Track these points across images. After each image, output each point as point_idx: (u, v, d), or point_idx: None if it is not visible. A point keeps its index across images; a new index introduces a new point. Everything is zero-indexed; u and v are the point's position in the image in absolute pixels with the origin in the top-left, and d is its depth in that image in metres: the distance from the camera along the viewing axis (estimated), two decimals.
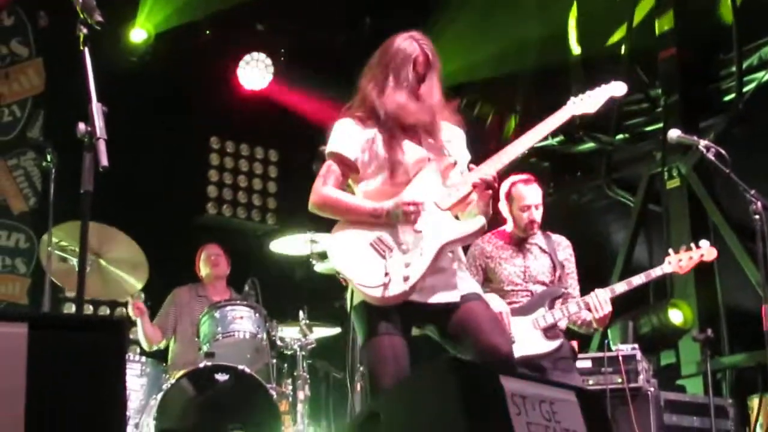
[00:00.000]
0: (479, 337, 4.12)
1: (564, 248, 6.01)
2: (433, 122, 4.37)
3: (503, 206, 5.91)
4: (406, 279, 4.09)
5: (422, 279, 4.12)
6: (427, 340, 4.38)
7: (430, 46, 4.39)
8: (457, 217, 4.34)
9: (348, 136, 4.34)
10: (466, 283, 4.31)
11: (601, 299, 5.65)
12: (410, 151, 4.30)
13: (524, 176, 5.98)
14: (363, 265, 4.15)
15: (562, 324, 5.77)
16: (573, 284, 5.94)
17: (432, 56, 4.36)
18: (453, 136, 4.47)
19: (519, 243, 5.91)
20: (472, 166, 4.35)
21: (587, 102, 4.56)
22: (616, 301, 5.79)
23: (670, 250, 5.96)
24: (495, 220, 5.91)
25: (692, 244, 5.94)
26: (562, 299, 5.80)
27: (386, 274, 4.08)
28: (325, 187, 4.30)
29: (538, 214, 5.86)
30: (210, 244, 7.97)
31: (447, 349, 4.26)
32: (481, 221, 4.25)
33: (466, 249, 4.63)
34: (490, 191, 4.25)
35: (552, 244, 5.97)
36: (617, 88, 4.64)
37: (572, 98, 4.57)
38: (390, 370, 4.06)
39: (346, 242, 4.23)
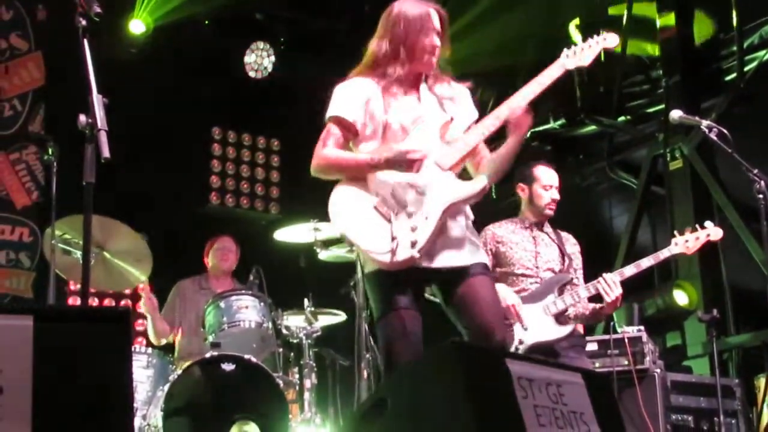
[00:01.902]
0: (476, 318, 4.14)
1: (572, 244, 6.07)
2: (435, 74, 4.43)
3: (521, 188, 5.95)
4: (413, 244, 4.08)
5: (429, 242, 4.11)
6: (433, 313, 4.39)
7: (439, 8, 4.45)
8: (461, 176, 4.34)
9: (348, 99, 4.35)
10: (475, 252, 4.31)
11: (610, 282, 5.65)
12: (408, 110, 4.31)
13: (543, 160, 6.09)
14: (369, 229, 4.13)
15: (571, 311, 5.77)
16: (580, 280, 5.94)
17: (443, 19, 4.43)
18: (457, 93, 4.49)
19: (530, 229, 5.93)
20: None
21: (580, 54, 4.51)
22: (627, 281, 5.80)
23: (676, 232, 5.96)
24: (507, 211, 5.94)
25: (697, 225, 5.94)
26: (570, 285, 5.82)
27: (393, 239, 4.07)
28: (325, 149, 4.31)
29: (558, 195, 5.91)
30: (223, 236, 7.93)
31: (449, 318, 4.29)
32: (483, 181, 4.24)
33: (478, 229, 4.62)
34: (529, 117, 4.28)
35: (561, 237, 6.02)
36: (610, 40, 4.58)
37: (565, 50, 4.52)
38: (408, 346, 4.08)
39: (349, 204, 4.22)
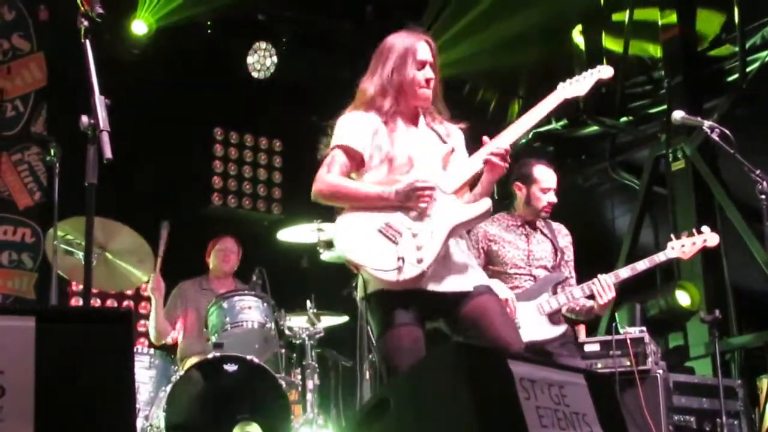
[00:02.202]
0: (491, 334, 4.14)
1: (564, 236, 6.04)
2: (435, 106, 4.47)
3: (518, 187, 5.93)
4: (420, 261, 4.09)
5: (435, 261, 4.12)
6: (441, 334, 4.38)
7: (430, 40, 4.49)
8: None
9: (355, 129, 4.36)
10: (477, 274, 4.34)
11: (605, 284, 5.65)
12: (411, 141, 4.34)
13: (543, 159, 6.06)
14: (374, 250, 4.13)
15: (564, 309, 5.77)
16: (570, 272, 5.94)
17: (432, 50, 4.45)
18: (452, 132, 4.52)
19: (523, 227, 5.91)
20: (485, 139, 4.35)
21: (576, 86, 4.59)
22: (623, 283, 5.80)
23: (672, 236, 5.96)
24: (499, 204, 5.92)
25: (694, 230, 5.95)
26: (564, 284, 5.81)
27: (399, 258, 4.07)
28: (329, 175, 4.30)
29: (555, 198, 5.89)
30: (226, 237, 7.92)
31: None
32: (487, 203, 4.27)
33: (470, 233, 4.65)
34: (504, 165, 4.26)
35: (553, 230, 5.99)
36: (604, 72, 4.68)
37: (561, 84, 4.59)
38: (408, 361, 4.05)
39: (353, 229, 4.22)
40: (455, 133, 4.53)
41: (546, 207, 5.88)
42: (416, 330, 4.16)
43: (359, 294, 4.29)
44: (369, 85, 4.45)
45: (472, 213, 4.26)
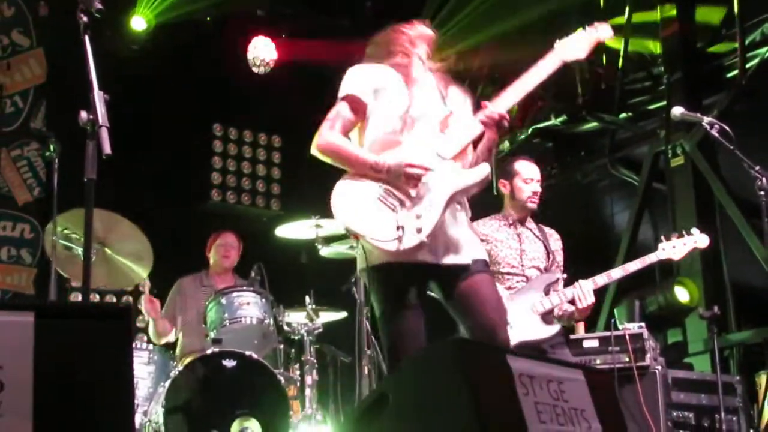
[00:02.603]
0: (478, 317, 4.15)
1: (555, 240, 6.06)
2: (444, 68, 4.52)
3: (503, 184, 5.94)
4: (419, 230, 4.07)
5: (435, 230, 4.10)
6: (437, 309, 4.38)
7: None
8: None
9: (363, 80, 4.35)
10: (476, 247, 4.32)
11: (585, 290, 5.67)
12: (417, 100, 4.32)
13: (524, 156, 6.08)
14: (373, 219, 4.10)
15: (555, 310, 5.78)
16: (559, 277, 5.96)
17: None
18: (457, 93, 4.51)
19: (515, 226, 5.91)
20: (485, 103, 4.32)
21: (574, 47, 4.43)
22: (621, 279, 5.82)
23: (663, 237, 5.98)
24: (491, 207, 5.93)
25: (684, 231, 5.96)
26: (557, 285, 5.82)
27: (398, 228, 4.05)
28: (331, 132, 4.28)
29: (539, 188, 5.89)
30: (226, 232, 7.91)
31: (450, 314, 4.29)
32: (486, 169, 4.25)
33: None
34: (501, 129, 4.27)
35: (545, 233, 6.01)
36: (602, 31, 4.51)
37: (557, 42, 4.43)
38: (411, 344, 4.08)
39: (352, 198, 4.18)
40: (459, 96, 4.51)
41: (531, 197, 5.87)
42: (417, 312, 4.17)
43: (360, 265, 4.28)
44: (378, 38, 4.52)
45: (470, 179, 4.23)
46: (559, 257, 6.01)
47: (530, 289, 5.73)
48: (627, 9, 10.16)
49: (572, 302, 5.71)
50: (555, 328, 5.70)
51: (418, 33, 4.47)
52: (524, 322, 5.62)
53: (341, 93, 4.35)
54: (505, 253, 5.82)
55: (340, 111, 4.33)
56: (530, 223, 6.00)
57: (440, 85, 4.47)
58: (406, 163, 4.12)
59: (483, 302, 4.17)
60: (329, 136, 4.28)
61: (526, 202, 5.89)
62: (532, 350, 5.52)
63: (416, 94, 4.34)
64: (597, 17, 10.31)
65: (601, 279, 5.81)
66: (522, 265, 5.82)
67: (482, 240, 5.81)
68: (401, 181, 4.13)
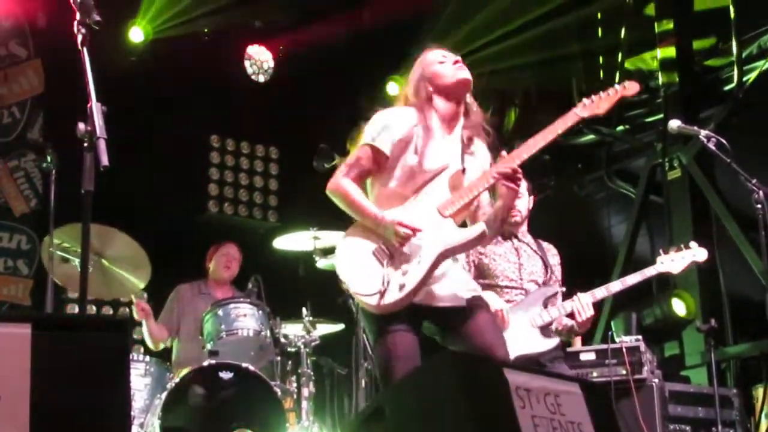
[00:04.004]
0: (477, 338, 4.18)
1: (553, 255, 6.04)
2: (473, 123, 4.46)
3: (490, 203, 5.91)
4: (401, 287, 4.11)
5: (419, 287, 4.14)
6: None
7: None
8: (464, 225, 4.37)
9: (389, 132, 4.34)
10: (471, 286, 4.36)
11: (584, 303, 5.67)
12: (436, 156, 4.31)
13: None
14: (362, 272, 4.19)
15: (554, 324, 5.77)
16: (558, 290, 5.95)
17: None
18: (479, 150, 4.50)
19: (511, 240, 5.90)
20: (503, 153, 4.34)
21: (597, 103, 4.50)
22: (618, 292, 5.82)
23: (661, 250, 5.98)
24: None
25: (682, 245, 5.96)
26: (555, 299, 5.82)
27: (383, 283, 4.11)
28: (345, 179, 4.33)
29: (520, 203, 5.84)
30: (229, 243, 7.91)
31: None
32: (479, 228, 4.28)
33: None
34: (515, 185, 4.26)
35: (543, 248, 5.99)
36: (630, 89, 4.56)
37: (584, 100, 4.52)
38: (404, 368, 4.07)
39: (351, 249, 4.28)
40: (480, 154, 4.50)
41: (513, 214, 5.84)
42: (411, 336, 4.18)
43: (356, 304, 4.33)
44: (407, 89, 4.50)
45: (462, 238, 4.26)
46: (558, 271, 6.00)
47: (529, 303, 5.72)
48: (624, 24, 10.20)
49: (571, 316, 5.71)
50: (554, 342, 5.69)
51: (454, 80, 4.42)
52: (523, 335, 5.61)
53: (365, 139, 4.37)
54: (503, 267, 5.81)
55: (360, 158, 4.36)
56: (527, 237, 5.98)
57: (467, 141, 4.44)
58: (397, 221, 4.16)
59: (480, 326, 4.22)
60: (343, 182, 4.33)
61: (509, 217, 5.87)
62: (531, 364, 5.51)
63: (434, 150, 4.33)
64: (595, 33, 10.45)
65: (600, 292, 5.80)
66: (521, 279, 5.80)
67: (480, 253, 5.81)
68: (392, 238, 4.17)
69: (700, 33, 10.05)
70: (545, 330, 5.69)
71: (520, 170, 4.26)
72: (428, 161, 4.29)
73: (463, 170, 4.36)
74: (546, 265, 5.91)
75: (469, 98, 4.47)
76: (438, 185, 4.31)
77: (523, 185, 5.90)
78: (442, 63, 4.42)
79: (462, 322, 4.22)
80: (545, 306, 5.72)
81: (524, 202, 5.88)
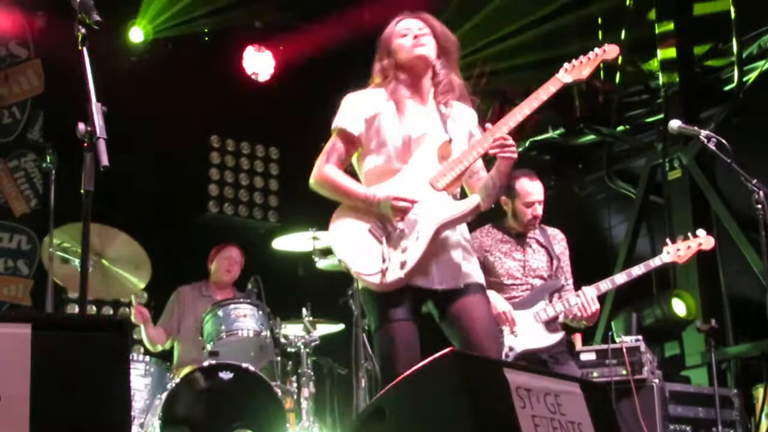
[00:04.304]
0: (471, 339, 4.16)
1: (559, 241, 6.03)
2: (444, 88, 4.42)
3: (504, 201, 5.90)
4: (403, 265, 4.11)
5: (419, 263, 4.13)
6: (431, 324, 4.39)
7: (420, 14, 4.51)
8: (460, 196, 4.37)
9: (354, 111, 4.36)
10: (470, 269, 4.32)
11: (588, 297, 5.66)
12: (412, 127, 4.30)
13: (527, 171, 5.98)
14: (361, 252, 4.18)
15: (561, 317, 5.77)
16: (567, 277, 5.94)
17: (424, 20, 4.46)
18: (460, 114, 4.47)
19: (517, 237, 5.90)
20: (488, 125, 4.31)
21: (579, 68, 4.46)
22: (618, 292, 5.82)
23: (668, 240, 5.96)
24: (493, 213, 5.91)
25: (689, 234, 5.95)
26: (561, 292, 5.82)
27: (383, 260, 4.11)
28: (326, 166, 4.35)
29: (540, 210, 5.87)
30: (231, 246, 7.91)
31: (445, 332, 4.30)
32: (474, 200, 4.27)
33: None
34: (510, 151, 4.23)
35: (548, 237, 5.98)
36: (610, 52, 4.51)
37: (564, 65, 4.47)
38: (404, 357, 4.07)
39: (345, 229, 4.27)
40: (463, 116, 4.47)
41: (531, 221, 5.85)
42: (411, 325, 4.18)
43: (357, 284, 4.33)
44: (375, 66, 4.49)
45: (459, 210, 4.25)
46: (565, 258, 5.98)
47: (534, 298, 5.73)
48: (624, 25, 10.19)
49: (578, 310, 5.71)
50: (558, 336, 5.70)
51: (412, 55, 4.39)
52: (528, 330, 5.62)
53: (333, 125, 4.40)
54: (508, 265, 5.81)
55: (335, 145, 4.38)
56: (532, 232, 5.97)
57: (444, 108, 4.42)
58: (393, 197, 4.16)
59: (475, 324, 4.20)
60: (324, 169, 4.35)
61: (527, 225, 5.88)
62: (536, 359, 5.52)
63: (410, 121, 4.32)
64: (595, 33, 10.45)
65: (605, 285, 5.79)
66: (526, 276, 5.81)
67: (486, 250, 5.81)
68: (390, 214, 4.16)
69: (700, 38, 10.04)
70: (550, 325, 5.69)
71: (509, 137, 4.24)
72: (405, 131, 4.28)
73: (450, 140, 4.34)
74: (551, 257, 5.90)
75: (439, 67, 4.42)
76: (425, 156, 4.29)
77: (542, 190, 5.92)
78: (404, 36, 4.40)
79: (458, 309, 4.20)
80: (550, 300, 5.72)
81: (542, 208, 5.89)
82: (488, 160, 4.38)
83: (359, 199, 4.25)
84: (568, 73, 4.46)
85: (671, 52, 9.95)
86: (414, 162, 4.29)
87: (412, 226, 4.17)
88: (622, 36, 10.22)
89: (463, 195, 4.42)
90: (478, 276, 4.35)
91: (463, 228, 4.38)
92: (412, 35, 4.38)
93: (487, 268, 5.77)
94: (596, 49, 4.51)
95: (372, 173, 4.34)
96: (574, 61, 4.48)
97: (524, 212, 5.84)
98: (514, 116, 4.31)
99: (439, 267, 4.22)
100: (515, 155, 4.26)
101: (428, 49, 4.38)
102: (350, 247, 4.22)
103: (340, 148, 4.37)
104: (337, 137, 4.38)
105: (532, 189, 5.87)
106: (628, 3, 10.42)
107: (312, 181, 4.38)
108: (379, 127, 4.32)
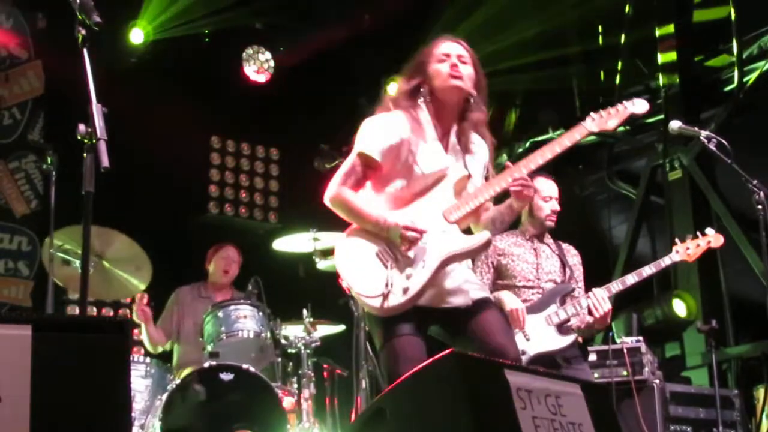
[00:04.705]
0: (488, 342, 4.14)
1: (573, 255, 6.07)
2: (466, 124, 4.40)
3: None
4: (405, 291, 4.10)
5: (422, 291, 4.13)
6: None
7: (459, 41, 4.46)
8: (469, 231, 4.37)
9: (377, 137, 4.32)
10: (477, 288, 4.33)
11: (599, 297, 5.66)
12: (432, 159, 4.29)
13: (541, 171, 6.05)
14: (365, 274, 4.17)
15: (574, 321, 5.77)
16: (580, 292, 5.95)
17: (464, 47, 4.43)
18: (478, 148, 4.47)
19: (531, 241, 5.92)
20: (508, 163, 4.33)
21: (606, 119, 4.47)
22: (619, 293, 5.82)
23: (677, 240, 5.96)
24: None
25: (698, 233, 5.96)
26: (572, 295, 5.82)
27: (386, 285, 4.10)
28: (342, 187, 4.31)
29: (557, 206, 5.90)
30: (228, 246, 7.90)
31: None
32: (485, 236, 4.26)
33: None
34: (530, 191, 4.27)
35: (562, 249, 6.01)
36: (639, 106, 4.51)
37: (592, 114, 4.48)
38: (410, 370, 4.05)
39: (353, 249, 4.26)
40: (480, 150, 4.47)
41: (550, 215, 5.90)
42: (417, 340, 4.16)
43: (359, 307, 4.32)
44: (403, 83, 4.44)
45: (469, 245, 4.25)
46: (578, 272, 6.01)
47: (545, 302, 5.73)
48: (625, 26, 10.20)
49: (589, 312, 5.71)
50: (570, 338, 5.70)
51: (445, 84, 4.34)
52: (540, 333, 5.63)
53: (356, 148, 4.35)
54: (521, 267, 5.83)
55: (355, 167, 4.34)
56: (548, 239, 6.01)
57: (464, 139, 4.41)
58: (402, 225, 4.14)
59: (491, 329, 4.18)
60: (340, 190, 4.31)
61: (545, 220, 5.90)
62: (548, 362, 5.52)
63: (431, 153, 4.30)
64: (596, 34, 10.44)
65: (615, 286, 5.80)
66: (538, 279, 5.82)
67: (500, 254, 5.83)
68: (398, 242, 4.15)
69: (701, 39, 10.04)
70: (561, 327, 5.70)
71: (529, 179, 4.26)
72: (424, 165, 4.27)
73: (469, 176, 4.35)
74: (564, 264, 5.92)
75: (472, 102, 4.40)
76: (443, 190, 4.30)
77: (556, 188, 5.95)
78: (442, 61, 4.35)
79: (469, 322, 4.19)
80: (562, 303, 5.73)
81: (557, 196, 5.93)
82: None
83: (371, 223, 4.23)
84: (594, 123, 4.46)
85: (671, 54, 9.96)
86: (431, 194, 4.30)
87: (420, 255, 4.16)
88: (622, 38, 10.21)
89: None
90: (484, 292, 4.36)
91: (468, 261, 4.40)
92: (450, 63, 4.34)
93: (500, 271, 5.81)
94: (625, 102, 4.52)
95: (386, 198, 4.33)
96: (602, 111, 4.49)
97: (542, 207, 5.89)
98: (535, 159, 4.33)
99: (445, 287, 4.22)
100: (532, 197, 4.28)
101: (465, 81, 4.34)
102: (354, 268, 4.22)
103: (359, 172, 4.33)
104: (357, 159, 4.34)
105: (548, 185, 5.97)
106: (627, 10, 10.43)
107: (328, 198, 4.33)
108: (400, 156, 4.28)
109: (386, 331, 4.17)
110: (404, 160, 4.28)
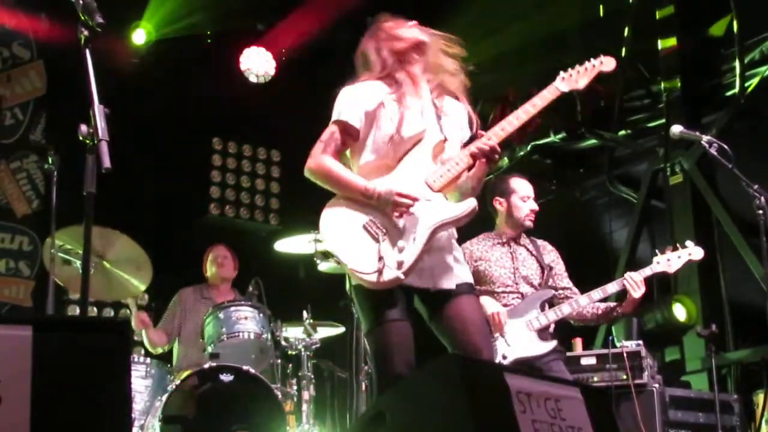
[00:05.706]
0: (463, 339, 4.11)
1: (549, 252, 6.07)
2: (439, 85, 4.43)
3: (499, 202, 5.94)
4: (399, 265, 4.06)
5: (416, 263, 4.10)
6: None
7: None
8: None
9: (354, 104, 4.32)
10: (462, 271, 4.29)
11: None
12: (410, 124, 4.27)
13: (517, 173, 6.11)
14: (357, 248, 4.11)
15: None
16: (566, 282, 5.97)
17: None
18: (453, 110, 4.45)
19: (508, 245, 5.93)
20: (482, 132, 4.32)
21: (576, 77, 4.45)
22: (618, 296, 5.83)
23: (657, 251, 5.97)
24: (484, 224, 5.93)
25: (678, 245, 5.96)
26: (555, 300, 5.85)
27: (380, 259, 4.05)
28: (324, 155, 4.28)
29: (536, 206, 5.91)
30: (218, 245, 7.95)
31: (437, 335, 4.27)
32: (471, 203, 4.22)
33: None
34: (489, 162, 4.24)
35: (538, 248, 6.02)
36: (606, 64, 4.49)
37: (561, 73, 4.46)
38: (398, 357, 4.03)
39: (339, 222, 4.19)
40: (455, 112, 4.46)
41: (529, 215, 5.91)
42: (406, 325, 4.12)
43: (347, 284, 4.28)
44: (371, 57, 4.48)
45: (456, 212, 4.20)
46: (559, 267, 6.01)
47: (526, 307, 5.75)
48: (626, 28, 10.19)
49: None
50: (551, 345, 5.72)
51: (411, 42, 4.42)
52: (520, 339, 5.64)
53: (333, 116, 4.35)
54: (499, 273, 5.84)
55: (333, 134, 4.32)
56: (524, 239, 6.01)
57: (438, 103, 4.41)
58: (396, 192, 4.10)
59: (466, 324, 4.15)
60: (321, 159, 4.28)
61: (524, 220, 5.91)
62: (528, 367, 5.53)
63: (409, 117, 4.29)
64: (597, 36, 10.44)
65: (612, 287, 5.81)
66: (516, 284, 5.83)
67: (477, 259, 5.83)
68: (389, 210, 4.12)
69: (702, 43, 10.05)
70: (542, 333, 5.71)
71: (498, 148, 4.22)
72: (405, 128, 4.24)
73: (445, 139, 4.32)
74: (542, 266, 5.93)
75: (433, 56, 4.44)
76: (421, 155, 4.27)
77: (532, 188, 5.96)
78: (402, 36, 4.45)
79: (449, 308, 4.16)
80: (542, 309, 5.74)
81: (534, 196, 5.95)
82: None
83: (358, 192, 4.18)
84: (565, 82, 4.45)
85: (673, 57, 9.96)
86: (409, 160, 4.26)
87: (409, 225, 4.12)
88: (624, 42, 10.21)
89: None
90: (467, 277, 4.32)
91: (454, 229, 4.38)
92: (407, 25, 4.46)
93: (477, 277, 5.78)
94: (593, 60, 4.50)
95: (366, 167, 4.29)
96: (570, 69, 4.47)
97: (521, 207, 5.89)
98: (510, 122, 4.30)
99: (432, 266, 4.18)
100: (493, 165, 4.32)
101: (424, 33, 4.46)
102: (345, 242, 4.15)
103: (338, 139, 4.30)
104: (335, 127, 4.33)
105: (525, 185, 5.98)
106: (630, 2, 10.43)
107: (307, 169, 4.31)
108: (378, 122, 4.28)
109: (376, 314, 4.12)
110: (382, 127, 4.27)
